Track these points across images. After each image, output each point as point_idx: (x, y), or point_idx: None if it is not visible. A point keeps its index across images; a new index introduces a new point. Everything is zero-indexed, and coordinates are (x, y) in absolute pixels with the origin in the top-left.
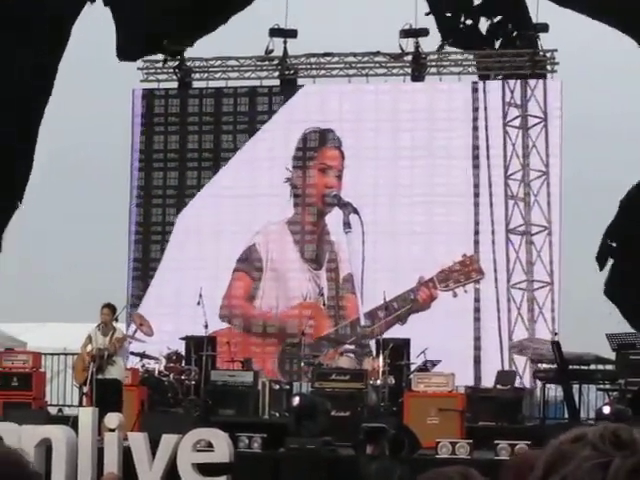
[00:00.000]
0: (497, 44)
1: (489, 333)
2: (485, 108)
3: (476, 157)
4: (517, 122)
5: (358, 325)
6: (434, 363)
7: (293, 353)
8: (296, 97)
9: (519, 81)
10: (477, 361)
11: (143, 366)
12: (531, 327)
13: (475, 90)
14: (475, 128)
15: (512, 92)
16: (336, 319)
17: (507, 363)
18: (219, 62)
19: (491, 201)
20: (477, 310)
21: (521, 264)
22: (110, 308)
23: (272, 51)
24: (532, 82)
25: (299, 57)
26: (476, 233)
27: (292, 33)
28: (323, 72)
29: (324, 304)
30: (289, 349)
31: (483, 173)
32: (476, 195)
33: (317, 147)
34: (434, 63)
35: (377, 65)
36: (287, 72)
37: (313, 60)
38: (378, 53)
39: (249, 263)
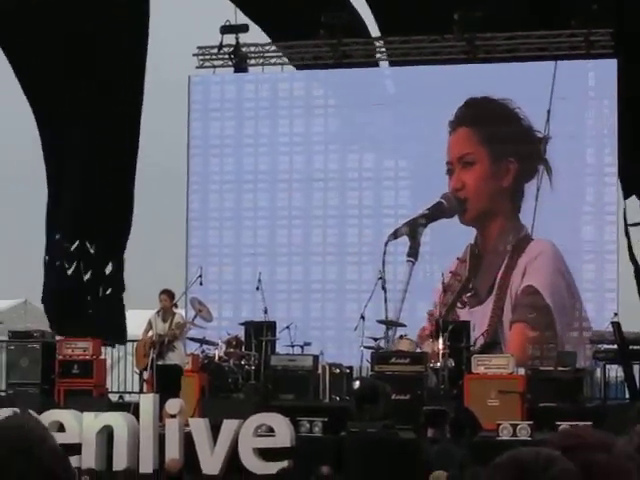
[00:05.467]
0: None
1: None
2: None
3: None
4: None
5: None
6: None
7: None
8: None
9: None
10: None
11: (203, 352)
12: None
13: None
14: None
15: None
16: None
17: None
18: (274, 47)
19: None
20: None
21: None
22: (168, 294)
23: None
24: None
25: (354, 42)
26: None
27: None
28: (378, 55)
29: None
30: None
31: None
32: None
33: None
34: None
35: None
36: (343, 56)
37: (368, 44)
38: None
39: None
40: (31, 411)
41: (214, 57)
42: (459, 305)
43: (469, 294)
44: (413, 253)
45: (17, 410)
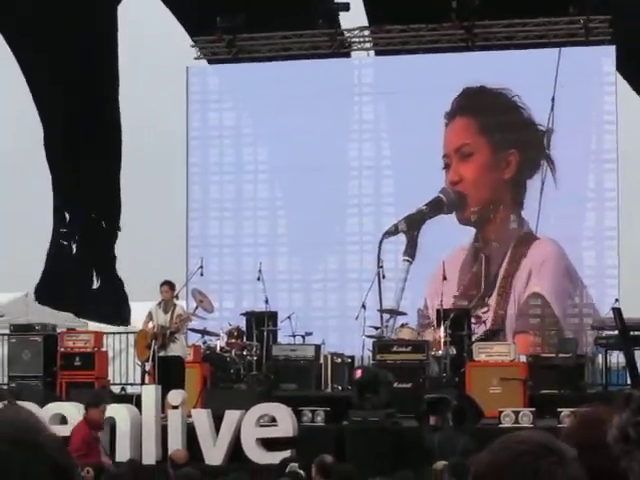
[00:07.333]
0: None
1: None
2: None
3: None
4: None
5: None
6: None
7: None
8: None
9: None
10: None
11: (205, 343)
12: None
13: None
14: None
15: None
16: None
17: None
18: (272, 37)
19: None
20: None
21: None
22: (169, 285)
23: (325, 24)
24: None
25: (353, 30)
26: None
27: (344, 6)
28: (377, 45)
29: None
30: None
31: None
32: None
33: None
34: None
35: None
36: (342, 46)
37: (367, 33)
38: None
39: None
40: (19, 402)
41: (212, 48)
42: (473, 321)
43: (485, 309)
44: (410, 252)
45: (5, 403)
